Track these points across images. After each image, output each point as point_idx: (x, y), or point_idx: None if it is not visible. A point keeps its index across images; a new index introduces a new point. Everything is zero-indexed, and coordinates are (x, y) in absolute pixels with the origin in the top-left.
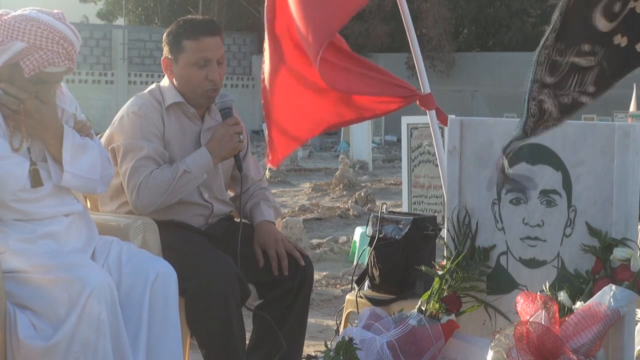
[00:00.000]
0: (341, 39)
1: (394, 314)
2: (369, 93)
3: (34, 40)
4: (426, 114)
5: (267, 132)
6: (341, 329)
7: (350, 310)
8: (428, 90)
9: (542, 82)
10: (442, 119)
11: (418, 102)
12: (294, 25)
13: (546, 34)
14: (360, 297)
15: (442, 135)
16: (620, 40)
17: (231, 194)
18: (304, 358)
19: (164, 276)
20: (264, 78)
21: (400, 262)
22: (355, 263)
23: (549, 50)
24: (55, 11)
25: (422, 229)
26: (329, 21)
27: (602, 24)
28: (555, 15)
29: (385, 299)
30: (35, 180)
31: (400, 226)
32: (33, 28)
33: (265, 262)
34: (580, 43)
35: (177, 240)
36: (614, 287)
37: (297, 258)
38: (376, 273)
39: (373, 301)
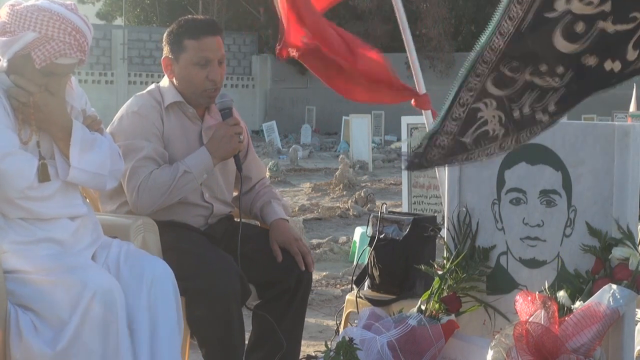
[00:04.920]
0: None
1: (393, 314)
2: (370, 78)
3: (46, 30)
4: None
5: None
6: (341, 329)
7: (350, 310)
8: (424, 91)
9: (484, 92)
10: None
11: (414, 103)
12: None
13: (479, 50)
14: (360, 297)
15: None
16: (589, 59)
17: (235, 193)
18: (303, 358)
19: (161, 277)
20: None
21: (400, 262)
22: (355, 263)
23: (489, 65)
24: (68, 2)
25: (422, 229)
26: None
27: (561, 44)
28: (488, 34)
29: (384, 300)
30: (43, 175)
31: (401, 226)
32: (45, 18)
33: (265, 261)
34: (538, 63)
35: (177, 240)
36: (613, 286)
37: (299, 261)
38: (376, 273)
39: (372, 301)
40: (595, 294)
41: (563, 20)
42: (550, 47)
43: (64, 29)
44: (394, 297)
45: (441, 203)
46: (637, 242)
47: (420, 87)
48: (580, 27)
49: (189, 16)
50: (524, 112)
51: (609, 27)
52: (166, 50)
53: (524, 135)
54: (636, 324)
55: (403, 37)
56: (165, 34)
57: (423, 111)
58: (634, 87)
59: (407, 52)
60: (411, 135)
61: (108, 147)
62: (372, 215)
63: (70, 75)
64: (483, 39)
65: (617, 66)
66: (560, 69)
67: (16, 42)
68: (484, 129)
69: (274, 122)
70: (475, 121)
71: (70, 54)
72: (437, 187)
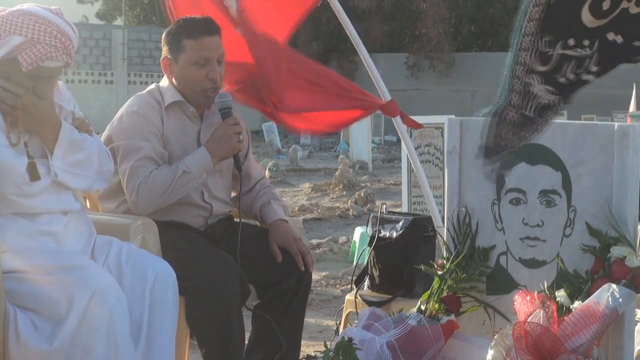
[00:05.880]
0: (295, 53)
1: (393, 314)
2: (330, 109)
3: (32, 34)
4: (426, 114)
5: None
6: (341, 329)
7: (349, 310)
8: (388, 98)
9: (530, 68)
10: (410, 123)
11: (381, 111)
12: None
13: (520, 23)
14: (357, 297)
15: (442, 135)
16: (615, 37)
17: (234, 194)
18: (303, 358)
19: (163, 276)
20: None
21: (400, 262)
22: (355, 263)
23: (531, 38)
24: (53, 7)
25: (422, 229)
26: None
27: (588, 19)
28: (529, 6)
29: (381, 300)
30: (33, 174)
31: (400, 226)
32: (31, 22)
33: (265, 261)
34: (566, 38)
35: (177, 240)
36: (612, 285)
37: (299, 262)
38: (376, 273)
39: (368, 302)
40: (594, 294)
41: None
42: (577, 21)
43: (50, 32)
44: (389, 297)
45: (441, 203)
46: (637, 242)
47: (385, 95)
48: (607, 4)
49: (187, 16)
50: (569, 78)
51: (633, 8)
52: (165, 51)
53: (572, 96)
54: (636, 324)
55: (351, 39)
56: (163, 35)
57: (392, 118)
58: (634, 87)
59: (364, 62)
60: (411, 135)
61: (96, 148)
62: (372, 215)
63: (57, 78)
64: (522, 11)
65: None
66: (586, 42)
67: (2, 47)
68: (541, 102)
69: (273, 123)
70: (530, 96)
71: (57, 56)
72: (437, 187)
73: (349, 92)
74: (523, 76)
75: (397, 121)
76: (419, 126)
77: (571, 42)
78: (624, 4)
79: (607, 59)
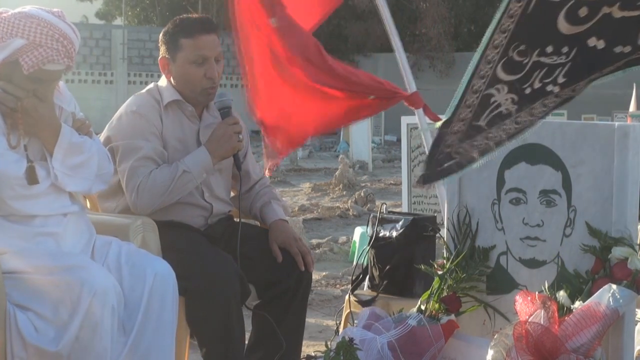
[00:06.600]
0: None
1: (393, 314)
2: (354, 90)
3: (34, 37)
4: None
5: (265, 136)
6: (341, 329)
7: (349, 310)
8: (414, 89)
9: (495, 78)
10: (432, 116)
11: (405, 102)
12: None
13: (490, 35)
14: (355, 298)
15: None
16: (597, 42)
17: (233, 194)
18: (303, 358)
19: (163, 276)
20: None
21: (400, 262)
22: (355, 263)
23: (499, 50)
24: (55, 9)
25: (422, 229)
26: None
27: (564, 27)
28: (498, 17)
29: (370, 298)
30: (31, 177)
31: (400, 226)
32: (33, 25)
33: (265, 261)
34: (544, 45)
35: (177, 240)
36: (613, 286)
37: (299, 262)
38: (376, 273)
39: (362, 302)
40: (595, 294)
41: (567, 5)
42: (554, 29)
43: (52, 35)
44: (375, 294)
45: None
46: (637, 242)
47: (411, 86)
48: (584, 11)
49: (184, 15)
50: (535, 87)
51: (616, 12)
52: (162, 51)
53: (538, 108)
54: (636, 324)
55: (390, 37)
56: (160, 35)
57: (415, 110)
58: (634, 87)
59: (396, 52)
60: (411, 135)
61: (96, 151)
62: (372, 215)
63: (58, 81)
64: (494, 22)
65: (627, 49)
66: (565, 49)
67: (4, 49)
68: (497, 111)
69: None
70: (488, 106)
71: (58, 60)
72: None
73: (374, 81)
74: (483, 89)
75: (419, 113)
76: (438, 119)
77: (549, 49)
78: (605, 10)
79: (579, 69)
